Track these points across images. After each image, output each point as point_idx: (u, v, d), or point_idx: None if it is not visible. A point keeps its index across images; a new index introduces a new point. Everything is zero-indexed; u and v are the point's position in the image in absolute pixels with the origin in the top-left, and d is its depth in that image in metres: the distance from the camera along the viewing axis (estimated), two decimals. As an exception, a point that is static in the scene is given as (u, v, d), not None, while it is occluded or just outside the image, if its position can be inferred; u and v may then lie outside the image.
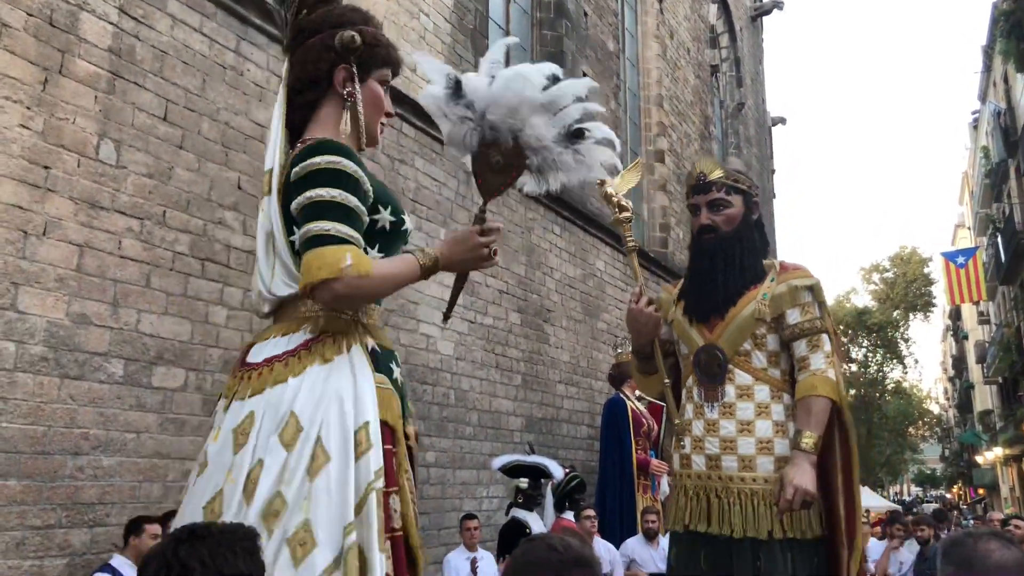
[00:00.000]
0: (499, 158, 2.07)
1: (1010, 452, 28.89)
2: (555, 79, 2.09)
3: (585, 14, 10.98)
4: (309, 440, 1.82)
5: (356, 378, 1.91)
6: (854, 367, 36.69)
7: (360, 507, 1.79)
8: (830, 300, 39.35)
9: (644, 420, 7.82)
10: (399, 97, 6.01)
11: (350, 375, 1.91)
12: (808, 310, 2.87)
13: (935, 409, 50.74)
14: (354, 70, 2.15)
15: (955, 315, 44.12)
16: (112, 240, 4.57)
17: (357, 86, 2.15)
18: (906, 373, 38.76)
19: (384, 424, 1.92)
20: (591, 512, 6.58)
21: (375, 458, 1.83)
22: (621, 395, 7.98)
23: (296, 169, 2.00)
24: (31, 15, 4.26)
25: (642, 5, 13.53)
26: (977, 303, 31.06)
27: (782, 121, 23.79)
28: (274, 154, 2.12)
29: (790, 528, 2.69)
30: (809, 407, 2.75)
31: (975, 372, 38.79)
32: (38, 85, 4.28)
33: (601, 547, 6.39)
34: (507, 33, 9.77)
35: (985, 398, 37.31)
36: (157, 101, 4.91)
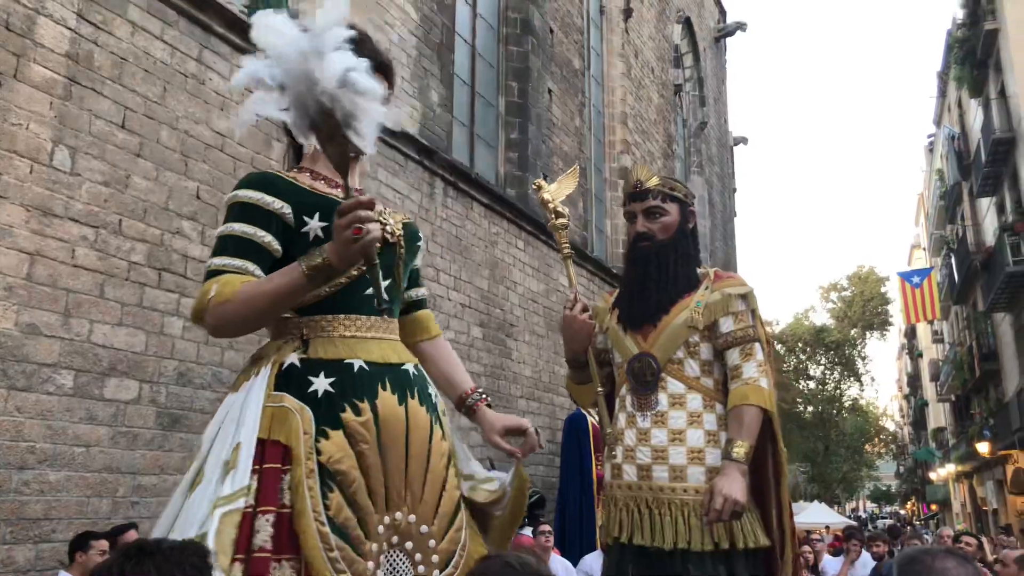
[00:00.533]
0: (322, 128, 1.76)
1: (962, 469, 29.49)
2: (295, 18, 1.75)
3: (551, 31, 11.06)
4: (198, 462, 1.90)
5: (247, 400, 1.94)
6: (812, 384, 37.21)
7: (202, 524, 1.77)
8: (789, 318, 39.28)
9: (605, 436, 7.84)
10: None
11: (243, 398, 1.96)
12: (741, 318, 2.85)
13: (891, 426, 51.56)
14: None
15: (911, 334, 45.02)
16: (65, 249, 4.47)
17: None
18: (863, 391, 39.46)
19: (274, 443, 1.88)
20: (547, 528, 6.57)
21: (235, 477, 1.81)
22: (582, 410, 7.98)
23: None
24: (-15, 17, 4.18)
25: (608, 24, 13.67)
26: (932, 322, 31.74)
27: (744, 141, 24.18)
28: None
29: (723, 538, 2.65)
30: (741, 416, 2.72)
31: (929, 390, 39.56)
32: (-9, 89, 4.19)
33: (557, 564, 6.37)
34: (473, 48, 9.80)
35: (939, 416, 38.06)
36: (115, 108, 4.83)
